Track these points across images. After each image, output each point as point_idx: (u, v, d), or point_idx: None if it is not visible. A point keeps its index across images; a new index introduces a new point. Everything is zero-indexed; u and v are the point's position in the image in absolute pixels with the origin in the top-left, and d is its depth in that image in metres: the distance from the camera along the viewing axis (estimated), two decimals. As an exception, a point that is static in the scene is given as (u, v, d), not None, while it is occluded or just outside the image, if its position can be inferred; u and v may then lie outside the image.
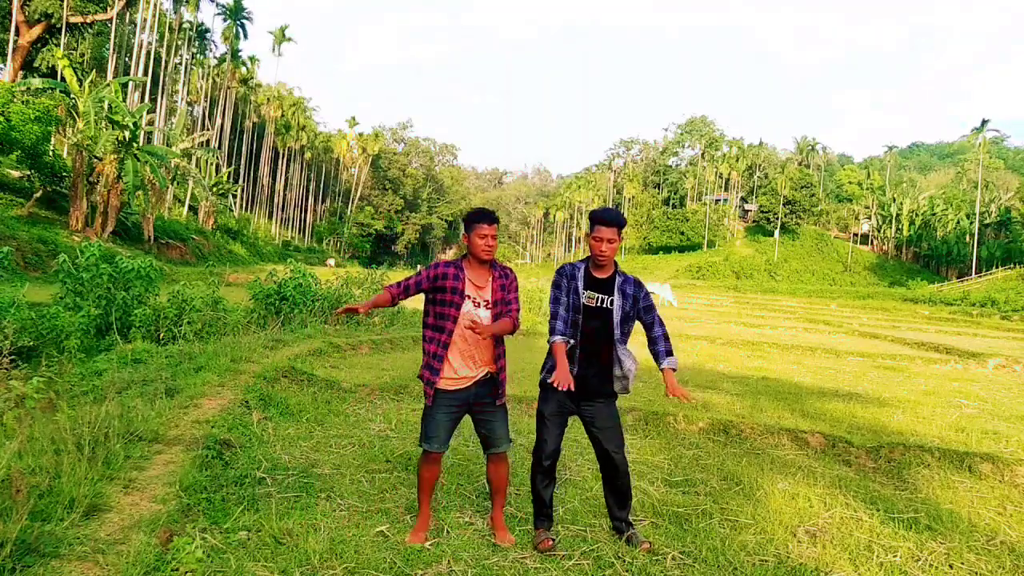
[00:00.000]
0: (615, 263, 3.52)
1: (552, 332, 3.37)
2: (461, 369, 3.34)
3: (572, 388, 3.15)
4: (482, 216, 3.35)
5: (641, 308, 3.51)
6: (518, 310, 3.43)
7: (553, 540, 3.41)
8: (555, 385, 3.11)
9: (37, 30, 42.77)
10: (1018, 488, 4.74)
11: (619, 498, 3.56)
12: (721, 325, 18.74)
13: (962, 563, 3.42)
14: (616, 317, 3.43)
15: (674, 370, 3.40)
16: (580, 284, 3.42)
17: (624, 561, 3.26)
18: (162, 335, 8.74)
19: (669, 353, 3.45)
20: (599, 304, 3.41)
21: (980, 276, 62.11)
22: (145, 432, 4.39)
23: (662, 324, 3.54)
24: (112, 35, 46.12)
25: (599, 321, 3.41)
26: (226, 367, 6.72)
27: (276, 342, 8.72)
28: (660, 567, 3.23)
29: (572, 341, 3.38)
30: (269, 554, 3.10)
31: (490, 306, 3.37)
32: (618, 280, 3.48)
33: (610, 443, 3.46)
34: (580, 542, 3.48)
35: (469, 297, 3.33)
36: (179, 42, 57.34)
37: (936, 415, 7.11)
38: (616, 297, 3.44)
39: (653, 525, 3.75)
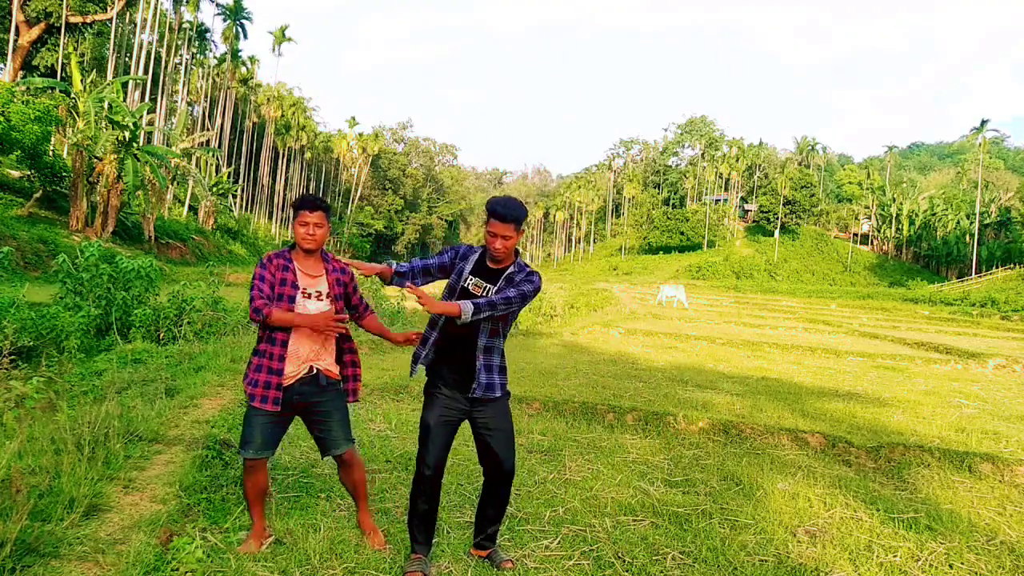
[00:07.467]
0: (516, 252, 3.12)
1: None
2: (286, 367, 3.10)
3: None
4: (303, 203, 3.10)
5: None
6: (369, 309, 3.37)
7: None
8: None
9: (37, 30, 42.82)
10: (1018, 488, 4.74)
11: (497, 511, 3.22)
12: (721, 325, 18.72)
13: (962, 563, 3.42)
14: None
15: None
16: (468, 268, 3.08)
17: (624, 561, 3.26)
18: (162, 335, 8.75)
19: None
20: (485, 294, 3.03)
21: (980, 276, 62.12)
22: (145, 432, 4.40)
23: (506, 297, 2.96)
24: (112, 35, 46.15)
25: None
26: (226, 367, 6.73)
27: (276, 342, 8.71)
28: (660, 567, 3.23)
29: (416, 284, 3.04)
30: (269, 554, 3.10)
31: (323, 298, 3.15)
32: (511, 270, 3.08)
33: (502, 447, 3.10)
34: (580, 542, 3.47)
35: (301, 289, 3.10)
36: (179, 42, 57.34)
37: (936, 415, 7.11)
38: (502, 284, 3.05)
39: (653, 525, 3.75)
